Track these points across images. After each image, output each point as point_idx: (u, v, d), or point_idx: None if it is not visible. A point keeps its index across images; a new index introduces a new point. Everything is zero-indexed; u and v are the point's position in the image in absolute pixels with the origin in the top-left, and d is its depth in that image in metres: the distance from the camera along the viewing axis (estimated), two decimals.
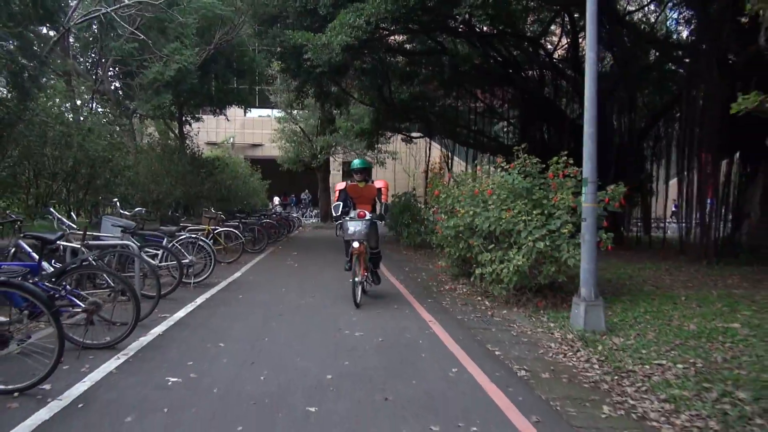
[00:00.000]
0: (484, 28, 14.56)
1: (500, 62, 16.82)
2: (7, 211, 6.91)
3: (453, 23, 13.79)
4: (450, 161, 27.86)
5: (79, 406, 3.43)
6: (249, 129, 39.37)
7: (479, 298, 7.59)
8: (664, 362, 4.46)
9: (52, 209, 6.86)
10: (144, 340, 4.97)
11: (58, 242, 5.15)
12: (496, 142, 21.61)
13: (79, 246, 5.81)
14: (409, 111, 20.00)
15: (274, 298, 7.44)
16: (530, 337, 5.57)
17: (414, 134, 25.08)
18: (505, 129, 23.24)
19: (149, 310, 5.53)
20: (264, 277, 9.41)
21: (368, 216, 7.14)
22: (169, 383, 3.86)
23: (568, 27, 16.51)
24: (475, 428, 3.21)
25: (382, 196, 7.53)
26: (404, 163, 33.71)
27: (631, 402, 3.73)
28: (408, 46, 17.48)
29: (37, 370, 3.59)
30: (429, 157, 27.25)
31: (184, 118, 19.67)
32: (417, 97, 19.60)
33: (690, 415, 3.43)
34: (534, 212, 6.87)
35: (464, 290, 8.26)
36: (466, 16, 9.27)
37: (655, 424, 3.37)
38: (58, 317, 3.60)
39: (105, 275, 5.75)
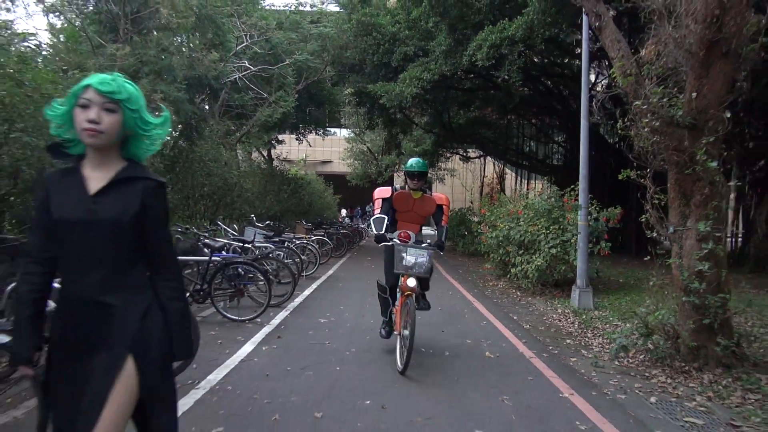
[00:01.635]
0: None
1: (545, 95, 19.33)
2: (217, 221, 10.22)
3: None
4: (502, 178, 30.33)
5: (282, 327, 6.50)
6: (319, 147, 43.13)
7: (513, 291, 10.30)
8: (618, 323, 7.08)
9: (219, 222, 10.18)
10: (295, 303, 8.07)
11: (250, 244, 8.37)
12: (543, 163, 23.93)
13: (249, 246, 9.03)
14: (465, 134, 22.79)
15: (364, 285, 10.43)
16: (541, 312, 8.27)
17: (471, 154, 27.83)
18: (554, 151, 25.58)
19: (291, 290, 8.64)
20: (351, 274, 12.47)
21: (424, 243, 5.18)
22: (321, 321, 6.90)
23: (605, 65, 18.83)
24: (490, 341, 6.05)
25: (444, 217, 5.51)
26: (462, 178, 36.40)
27: (586, 339, 6.42)
28: (464, 86, 20.34)
29: (255, 310, 6.72)
30: (484, 173, 29.84)
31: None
32: (473, 122, 22.39)
33: (615, 345, 6.08)
34: (552, 227, 9.54)
35: (503, 285, 10.99)
36: (506, 76, 12.03)
37: (593, 348, 6.05)
38: (269, 279, 6.73)
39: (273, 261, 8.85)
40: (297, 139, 23.87)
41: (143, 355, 1.78)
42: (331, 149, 42.51)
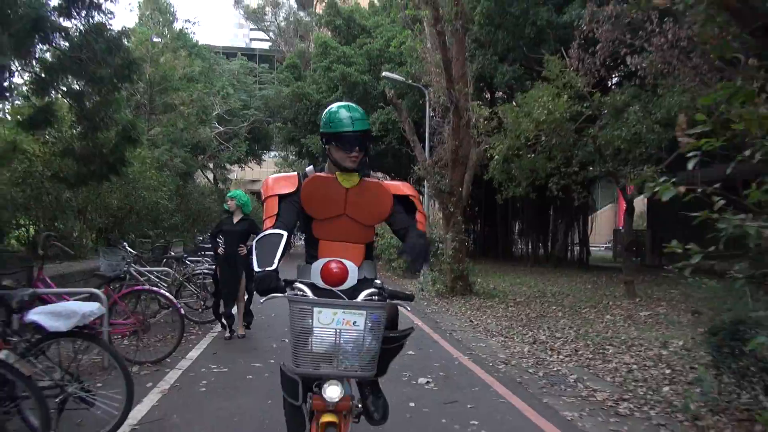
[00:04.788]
0: None
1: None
2: None
3: None
4: None
5: None
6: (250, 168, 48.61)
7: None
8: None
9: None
10: None
11: None
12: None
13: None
14: (373, 165, 29.41)
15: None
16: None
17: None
18: None
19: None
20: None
21: (370, 289, 2.30)
22: None
23: None
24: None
25: (418, 216, 2.69)
26: None
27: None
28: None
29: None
30: None
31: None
32: (378, 155, 29.04)
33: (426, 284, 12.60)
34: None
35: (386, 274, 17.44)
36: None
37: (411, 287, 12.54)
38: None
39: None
40: (240, 167, 29.62)
41: None
42: (260, 170, 48.03)
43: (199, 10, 71.45)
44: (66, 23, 9.26)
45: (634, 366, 5.54)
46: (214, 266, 7.36)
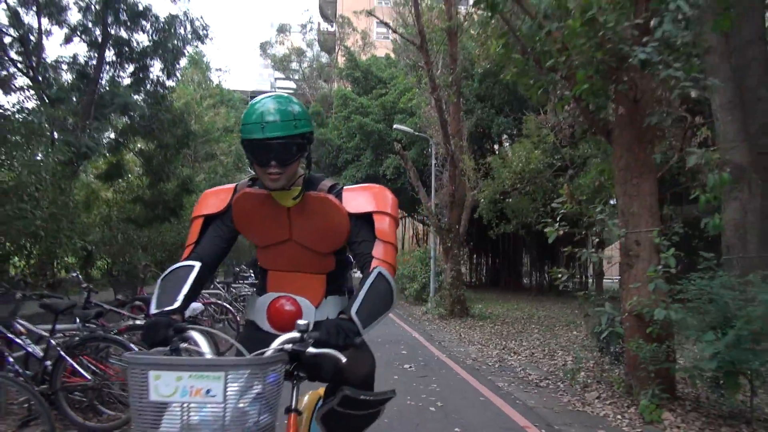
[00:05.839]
0: None
1: None
2: None
3: None
4: (423, 233, 39.40)
5: None
6: None
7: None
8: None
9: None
10: None
11: None
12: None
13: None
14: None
15: None
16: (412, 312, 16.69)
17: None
18: None
19: None
20: None
21: (283, 336, 1.60)
22: None
23: None
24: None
25: (376, 248, 1.82)
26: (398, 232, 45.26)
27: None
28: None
29: None
30: (406, 230, 38.78)
31: None
32: (402, 190, 31.33)
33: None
34: (422, 267, 18.07)
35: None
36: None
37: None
38: None
39: None
40: None
41: None
42: None
43: (226, 51, 76.03)
44: (136, 96, 11.84)
45: (569, 360, 7.47)
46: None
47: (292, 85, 47.53)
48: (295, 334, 1.56)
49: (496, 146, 20.71)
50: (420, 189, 14.22)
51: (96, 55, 11.11)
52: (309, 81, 42.48)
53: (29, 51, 10.15)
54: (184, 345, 1.58)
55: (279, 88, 54.79)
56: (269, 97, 1.82)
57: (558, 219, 6.00)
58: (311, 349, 1.51)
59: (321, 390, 2.08)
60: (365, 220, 1.90)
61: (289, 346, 1.53)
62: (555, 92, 5.99)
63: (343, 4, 42.52)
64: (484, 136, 19.52)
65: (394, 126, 17.12)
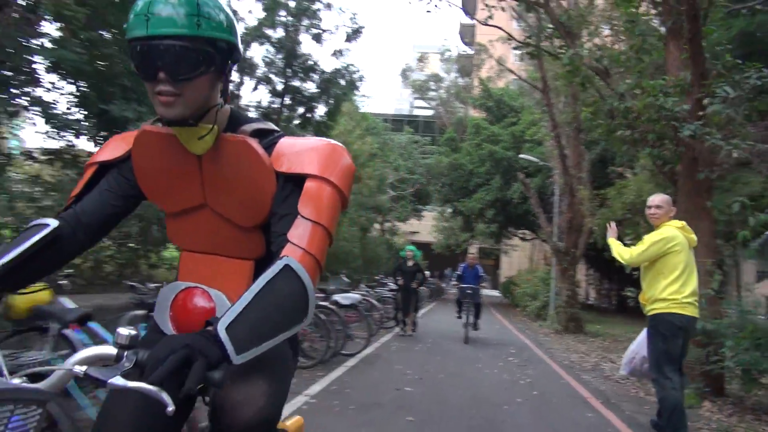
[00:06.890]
0: None
1: None
2: None
3: None
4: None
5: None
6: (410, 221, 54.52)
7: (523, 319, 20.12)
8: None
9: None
10: None
11: None
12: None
13: None
14: (519, 222, 32.78)
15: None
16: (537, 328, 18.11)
17: (527, 236, 37.64)
18: None
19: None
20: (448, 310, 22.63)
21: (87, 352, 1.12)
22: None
23: None
24: (498, 326, 16.15)
25: (314, 215, 1.23)
26: (527, 251, 45.97)
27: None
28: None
29: None
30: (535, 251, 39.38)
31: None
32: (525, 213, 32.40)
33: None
34: (544, 285, 19.37)
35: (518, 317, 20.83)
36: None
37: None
38: None
39: None
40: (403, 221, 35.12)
41: None
42: (419, 222, 53.58)
43: (368, 76, 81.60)
44: (303, 132, 14.97)
45: None
46: (395, 292, 11.91)
47: (430, 111, 50.22)
48: (107, 350, 1.11)
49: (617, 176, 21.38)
50: (540, 215, 15.75)
51: (278, 100, 14.45)
52: (446, 105, 44.97)
53: (229, 97, 13.65)
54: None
55: (417, 111, 58.25)
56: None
57: None
58: (115, 381, 0.96)
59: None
60: (299, 185, 1.28)
61: (81, 369, 1.01)
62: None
63: (481, 29, 44.65)
64: (607, 166, 20.38)
65: (520, 156, 18.79)
